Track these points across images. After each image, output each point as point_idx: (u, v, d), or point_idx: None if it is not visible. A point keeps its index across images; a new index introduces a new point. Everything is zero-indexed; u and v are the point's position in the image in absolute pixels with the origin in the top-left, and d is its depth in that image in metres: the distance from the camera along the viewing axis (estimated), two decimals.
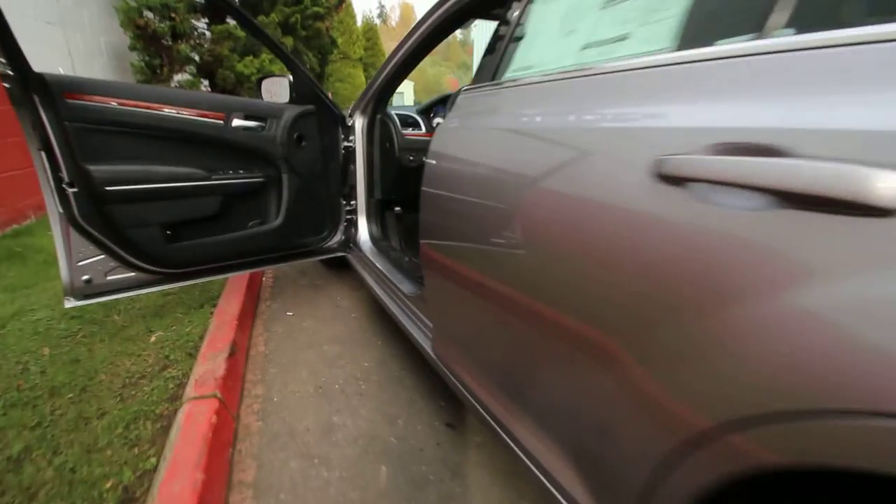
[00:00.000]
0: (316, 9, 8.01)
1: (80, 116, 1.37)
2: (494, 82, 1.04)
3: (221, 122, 1.63)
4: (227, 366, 1.55)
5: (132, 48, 4.76)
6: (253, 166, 1.77)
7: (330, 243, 2.14)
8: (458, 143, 1.06)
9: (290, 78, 1.86)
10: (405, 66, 1.75)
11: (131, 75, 4.87)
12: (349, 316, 2.22)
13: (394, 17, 78.47)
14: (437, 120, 2.04)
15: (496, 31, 1.08)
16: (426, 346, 1.41)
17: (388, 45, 29.51)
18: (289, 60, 1.71)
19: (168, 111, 1.52)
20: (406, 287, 1.66)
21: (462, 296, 1.09)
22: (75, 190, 1.38)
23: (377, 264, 1.95)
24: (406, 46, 1.65)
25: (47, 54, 3.97)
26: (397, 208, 2.27)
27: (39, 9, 3.92)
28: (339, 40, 12.25)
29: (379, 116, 2.00)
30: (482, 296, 0.99)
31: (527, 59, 0.99)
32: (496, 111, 0.99)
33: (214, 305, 2.04)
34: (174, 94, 1.55)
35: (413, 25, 1.59)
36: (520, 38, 1.02)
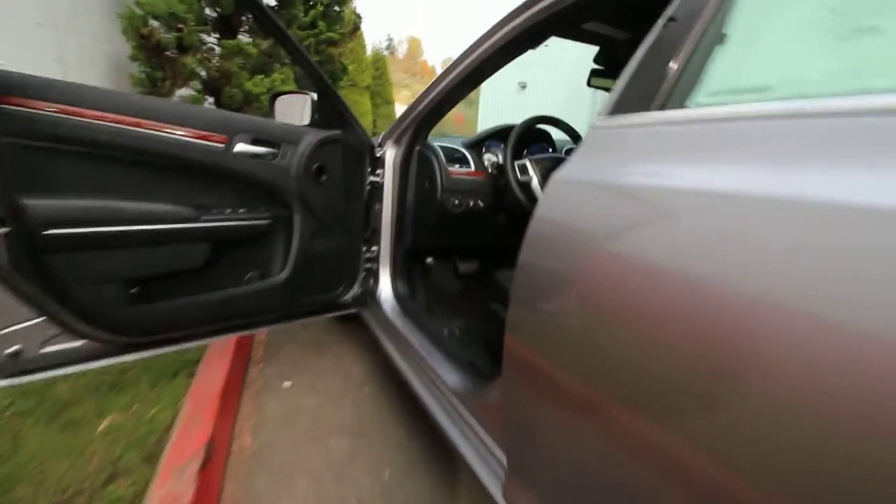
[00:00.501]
0: (330, 34, 7.86)
1: (17, 129, 0.96)
2: (672, 109, 0.65)
3: (222, 146, 1.23)
4: (199, 484, 1.10)
5: (133, 58, 4.43)
6: (258, 204, 1.37)
7: (344, 298, 1.72)
8: (602, 206, 0.66)
9: (314, 96, 1.48)
10: (460, 87, 1.38)
11: (130, 87, 4.53)
12: (361, 391, 1.77)
13: (401, 50, 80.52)
14: (489, 157, 1.66)
15: (655, 29, 0.70)
16: (489, 481, 0.98)
17: (396, 75, 29.88)
18: (314, 72, 1.34)
19: (149, 129, 1.12)
20: (451, 379, 1.23)
21: (577, 429, 0.68)
22: (5, 230, 0.96)
23: (405, 333, 1.52)
24: (465, 63, 1.28)
25: (33, 59, 3.61)
26: (429, 259, 1.86)
27: (25, 6, 3.57)
28: (350, 67, 12.19)
29: (418, 149, 1.62)
30: (619, 439, 0.58)
31: (754, 74, 0.61)
32: (682, 158, 0.59)
33: (191, 375, 1.59)
34: (161, 106, 1.16)
35: (479, 37, 1.22)
36: (724, 40, 0.64)
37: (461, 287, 2.07)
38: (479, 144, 1.68)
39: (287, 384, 1.77)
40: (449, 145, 1.66)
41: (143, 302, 1.21)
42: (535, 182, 1.49)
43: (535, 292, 0.76)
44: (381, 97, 19.24)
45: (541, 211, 0.76)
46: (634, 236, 0.60)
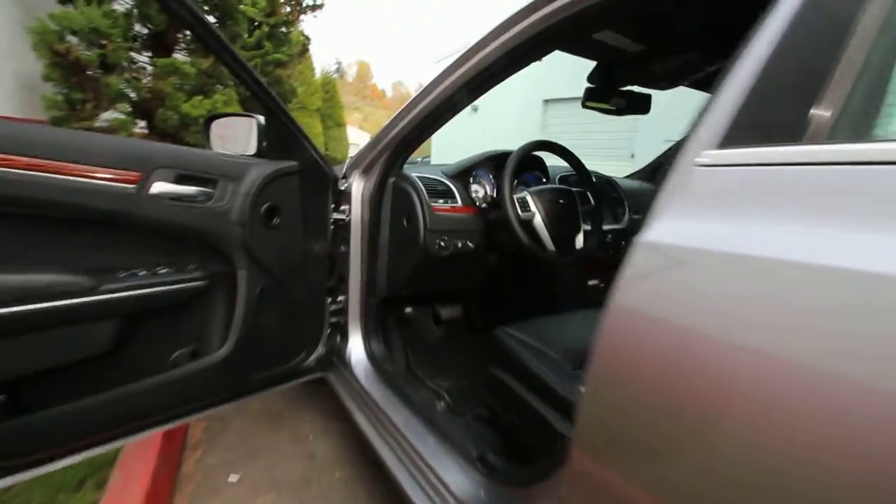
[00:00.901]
0: (278, 55, 7.50)
1: None
2: (845, 140, 0.43)
3: (132, 187, 0.90)
4: None
5: (47, 78, 3.88)
6: (186, 261, 1.04)
7: (306, 362, 1.40)
8: (748, 294, 0.42)
9: (260, 119, 1.18)
10: (443, 109, 1.13)
11: (43, 111, 3.96)
12: (331, 476, 1.43)
13: (350, 73, 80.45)
14: (477, 189, 1.42)
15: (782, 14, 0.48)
16: None
17: (346, 98, 29.60)
18: (262, 90, 1.05)
19: (20, 168, 0.78)
20: (456, 481, 0.94)
21: None
22: None
23: (385, 407, 1.23)
24: (451, 80, 1.05)
25: None
26: (407, 309, 1.58)
27: None
28: (299, 90, 11.80)
29: (392, 180, 1.35)
30: None
31: None
32: (879, 217, 0.36)
33: (102, 484, 1.20)
34: (44, 136, 0.82)
35: (468, 49, 0.99)
36: None
37: (443, 335, 1.79)
38: (464, 174, 1.43)
39: (234, 477, 1.40)
40: (428, 175, 1.40)
41: (18, 412, 0.84)
42: (538, 219, 1.26)
43: (626, 398, 0.50)
44: (331, 120, 18.95)
45: (630, 298, 0.50)
46: (808, 346, 0.36)
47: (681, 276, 0.47)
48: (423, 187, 1.31)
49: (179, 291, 1.01)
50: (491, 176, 1.41)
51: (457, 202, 1.35)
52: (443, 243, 1.29)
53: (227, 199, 1.05)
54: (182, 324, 1.07)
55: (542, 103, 11.08)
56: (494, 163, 1.43)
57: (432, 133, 1.25)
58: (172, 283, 1.00)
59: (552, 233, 1.25)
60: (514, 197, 1.27)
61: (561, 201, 1.29)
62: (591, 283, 1.58)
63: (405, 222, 1.32)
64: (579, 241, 1.33)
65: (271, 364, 1.25)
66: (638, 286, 0.50)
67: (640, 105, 1.54)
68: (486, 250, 1.43)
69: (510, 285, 1.71)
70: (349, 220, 1.39)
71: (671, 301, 0.47)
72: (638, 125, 9.64)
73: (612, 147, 9.36)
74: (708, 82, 1.48)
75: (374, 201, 1.38)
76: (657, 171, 2.00)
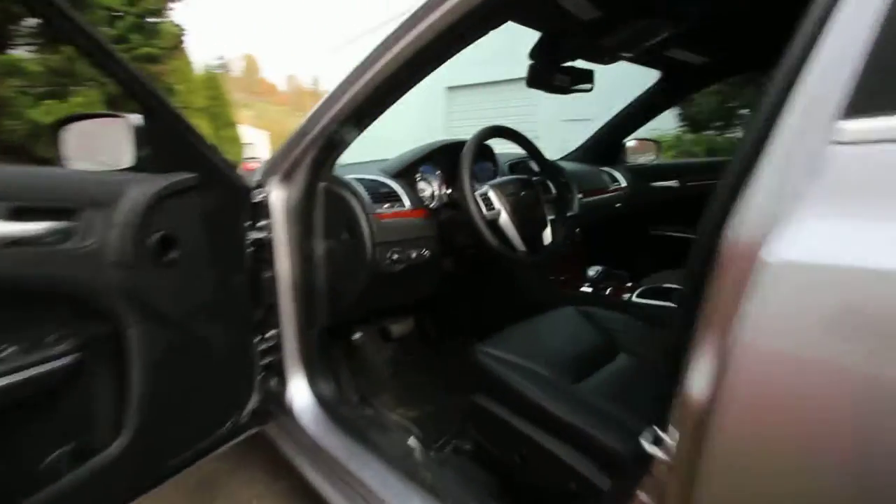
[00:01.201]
0: (148, 49, 6.57)
1: None
2: None
3: None
4: None
5: None
6: (41, 332, 0.72)
7: (238, 421, 1.13)
8: None
9: (134, 120, 0.87)
10: (383, 94, 0.93)
11: None
12: None
13: (236, 68, 74.38)
14: (425, 187, 1.22)
15: None
16: None
17: (235, 95, 27.24)
18: (139, 85, 0.75)
19: None
20: None
21: None
22: None
23: (346, 462, 1.02)
24: (387, 59, 0.85)
25: None
26: (356, 334, 1.34)
27: None
28: (179, 87, 10.53)
29: (324, 185, 1.11)
30: None
31: None
32: None
33: None
34: None
35: (406, 21, 0.80)
36: None
37: (396, 354, 1.58)
38: (407, 172, 1.23)
39: None
40: (366, 177, 1.18)
41: None
42: (504, 216, 1.10)
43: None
44: (220, 119, 17.42)
45: (777, 338, 0.35)
46: None
47: (855, 306, 0.33)
48: (363, 191, 1.08)
49: (37, 378, 0.70)
50: (438, 171, 1.22)
51: (404, 205, 1.14)
52: (395, 256, 1.08)
53: (97, 235, 0.74)
54: (52, 418, 0.75)
55: (446, 91, 11.03)
56: (441, 156, 1.24)
57: (369, 124, 1.03)
58: (23, 367, 0.68)
59: (520, 231, 1.10)
60: (476, 194, 1.10)
61: (524, 194, 1.14)
62: (552, 277, 1.48)
63: (346, 234, 1.08)
64: (547, 235, 1.20)
65: (191, 440, 0.97)
66: (788, 322, 0.35)
67: (584, 80, 1.44)
68: (441, 255, 1.24)
69: (467, 290, 1.55)
70: (271, 238, 1.12)
71: (847, 340, 0.32)
72: (537, 109, 9.93)
73: (521, 130, 9.63)
74: (650, 54, 1.42)
75: (302, 212, 1.13)
76: (590, 152, 1.95)
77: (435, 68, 0.87)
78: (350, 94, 0.93)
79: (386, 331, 1.55)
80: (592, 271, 1.34)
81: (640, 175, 1.91)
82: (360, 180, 1.13)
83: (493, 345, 1.02)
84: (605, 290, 1.34)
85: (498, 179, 1.15)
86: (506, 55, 9.64)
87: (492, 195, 1.09)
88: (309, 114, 1.05)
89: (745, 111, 5.69)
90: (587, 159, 1.91)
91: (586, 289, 1.37)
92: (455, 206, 1.13)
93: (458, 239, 1.21)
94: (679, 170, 1.89)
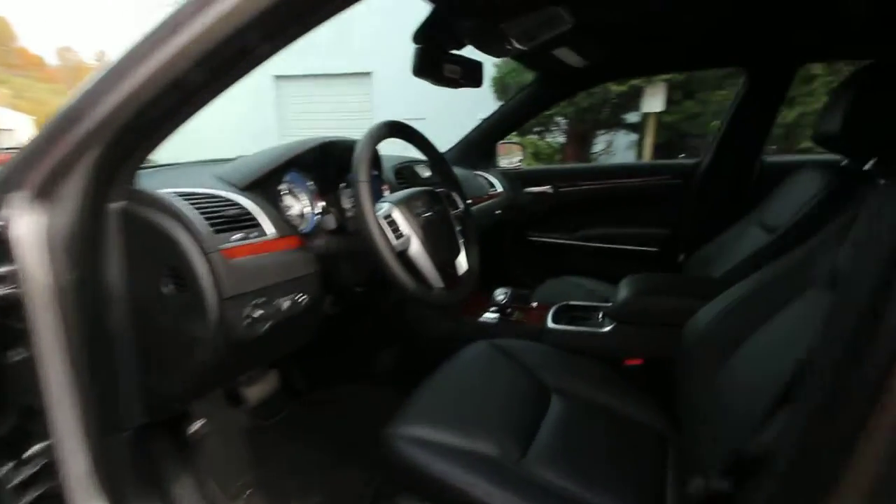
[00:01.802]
0: None
1: None
2: None
3: None
4: None
5: None
6: None
7: None
8: None
9: None
10: (211, 64, 0.58)
11: None
12: None
13: None
14: (293, 204, 0.85)
15: None
16: None
17: None
18: None
19: None
20: None
21: None
22: None
23: None
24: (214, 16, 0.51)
25: None
26: (196, 423, 0.90)
27: None
28: None
29: (120, 206, 0.67)
30: None
31: None
32: None
33: None
34: None
35: None
36: None
37: (255, 425, 1.17)
38: (265, 182, 0.84)
39: None
40: (197, 191, 0.76)
41: None
42: (415, 244, 0.81)
43: None
44: None
45: None
46: None
47: None
48: (195, 215, 0.68)
49: None
50: (310, 182, 0.88)
51: (265, 233, 0.77)
52: (257, 313, 0.71)
53: None
54: None
55: (274, 80, 9.99)
56: (313, 159, 0.89)
57: (198, 107, 0.64)
58: None
59: (435, 260, 0.84)
60: (380, 214, 0.79)
61: (434, 211, 0.88)
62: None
63: (168, 287, 0.67)
64: (462, 262, 0.97)
65: None
66: None
67: (474, 75, 1.25)
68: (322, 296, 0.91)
69: (349, 329, 1.22)
70: (21, 296, 0.65)
71: None
72: (374, 106, 9.72)
73: (363, 127, 9.23)
74: (539, 50, 1.30)
75: (80, 251, 0.67)
76: (461, 155, 1.80)
77: (280, 46, 0.56)
78: (149, 68, 0.55)
79: (237, 396, 1.13)
80: (500, 294, 1.17)
81: (513, 180, 1.83)
82: (189, 197, 0.72)
83: (407, 423, 0.75)
84: (513, 314, 1.19)
85: (401, 194, 0.86)
86: (340, 48, 9.18)
87: (397, 216, 0.81)
88: (84, 89, 0.61)
89: (560, 118, 6.42)
90: (458, 163, 1.76)
91: (491, 314, 1.19)
92: (341, 230, 0.82)
93: (345, 275, 0.89)
94: (551, 175, 1.87)
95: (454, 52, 1.20)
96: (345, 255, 0.88)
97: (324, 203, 0.93)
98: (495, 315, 1.18)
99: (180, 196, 0.72)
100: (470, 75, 1.23)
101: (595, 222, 1.77)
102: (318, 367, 1.29)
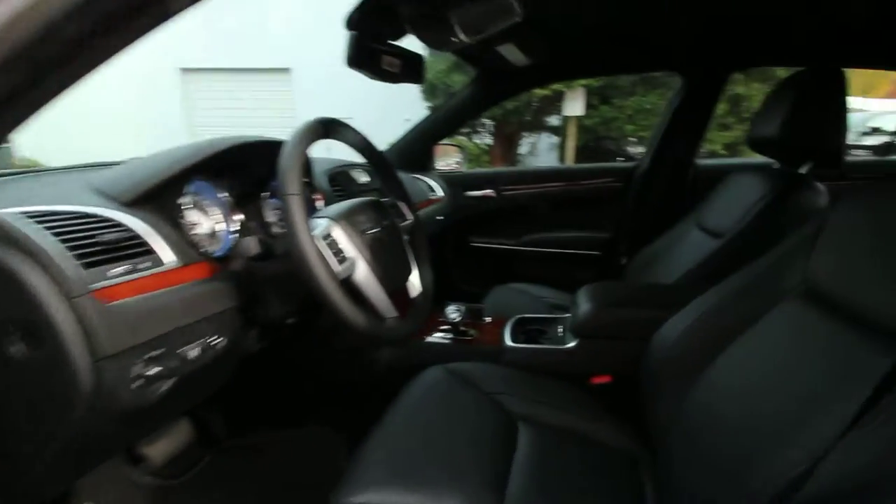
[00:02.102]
0: None
1: None
2: None
3: None
4: None
5: None
6: None
7: None
8: None
9: None
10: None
11: None
12: None
13: None
14: (198, 218, 0.67)
15: None
16: None
17: None
18: None
19: None
20: None
21: None
22: None
23: None
24: None
25: None
26: None
27: None
28: None
29: None
30: None
31: None
32: None
33: None
34: None
35: None
36: None
37: (159, 484, 0.96)
38: (161, 193, 0.65)
39: None
40: (58, 209, 0.56)
41: None
42: (361, 268, 0.67)
43: None
44: None
45: None
46: None
47: None
48: (50, 244, 0.49)
49: None
50: (222, 193, 0.70)
51: (161, 262, 0.59)
52: (151, 371, 0.54)
53: None
54: None
55: (180, 73, 9.08)
56: (226, 164, 0.71)
57: (54, 93, 0.45)
58: None
59: (386, 285, 0.70)
60: (318, 233, 0.63)
61: (382, 227, 0.74)
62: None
63: (17, 347, 0.48)
64: (415, 283, 0.83)
65: None
66: None
67: (415, 70, 1.13)
68: (243, 333, 0.74)
69: (279, 363, 1.04)
70: None
71: None
72: (297, 104, 9.23)
73: (284, 126, 8.66)
74: (483, 45, 1.21)
75: None
76: (397, 157, 1.67)
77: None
78: None
79: (138, 456, 0.91)
80: (453, 312, 1.05)
81: (454, 183, 1.74)
82: (44, 218, 0.52)
83: (356, 487, 0.62)
84: (466, 332, 1.08)
85: (341, 208, 0.71)
86: (256, 41, 8.56)
87: (339, 235, 0.66)
88: None
89: (487, 120, 6.50)
90: (394, 166, 1.64)
91: (443, 334, 1.07)
92: (267, 254, 0.65)
93: (273, 305, 0.73)
94: (492, 178, 1.80)
95: (392, 42, 1.08)
96: (272, 281, 0.72)
97: (242, 217, 0.76)
98: (448, 335, 1.06)
99: (31, 217, 0.52)
100: (410, 70, 1.11)
101: (539, 227, 1.73)
102: (241, 408, 1.09)
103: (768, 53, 1.33)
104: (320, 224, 0.65)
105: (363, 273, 0.67)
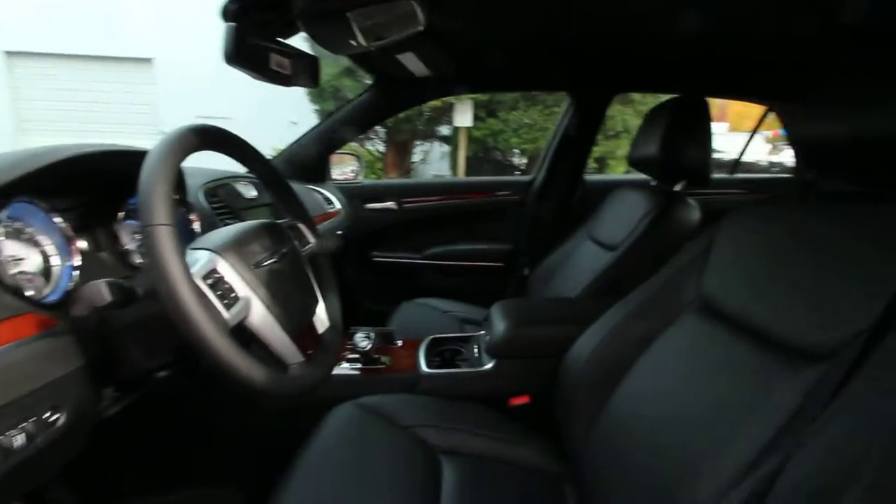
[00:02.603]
0: None
1: None
2: None
3: None
4: None
5: None
6: None
7: None
8: None
9: None
10: None
11: None
12: None
13: None
14: (21, 251, 0.50)
15: None
16: None
17: None
18: None
19: None
20: None
21: None
22: None
23: None
24: None
25: None
26: None
27: None
28: None
29: None
30: None
31: None
32: None
33: None
34: None
35: None
36: None
37: None
38: None
39: None
40: None
41: None
42: (257, 310, 0.54)
43: None
44: None
45: None
46: None
47: None
48: None
49: None
50: (57, 218, 0.53)
51: None
52: None
53: None
54: None
55: (5, 57, 7.46)
56: (62, 181, 0.54)
57: None
58: None
59: (289, 327, 0.58)
60: (197, 271, 0.49)
61: (279, 256, 0.61)
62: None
63: None
64: (322, 317, 0.72)
65: None
66: None
67: (310, 73, 1.02)
68: (95, 395, 0.57)
69: (149, 422, 0.83)
70: None
71: None
72: (158, 98, 8.20)
73: (132, 123, 7.50)
74: (383, 53, 1.15)
75: None
76: (290, 167, 1.52)
77: None
78: None
79: None
80: (362, 339, 0.94)
81: (352, 195, 1.64)
82: None
83: None
84: (378, 360, 0.99)
85: (226, 235, 0.56)
86: (113, 26, 7.38)
87: (226, 271, 0.52)
88: None
89: (380, 127, 6.42)
90: (287, 176, 1.50)
91: (351, 364, 0.97)
92: (125, 294, 0.50)
93: (135, 357, 0.57)
94: (393, 190, 1.73)
95: (281, 40, 0.96)
96: (133, 329, 0.56)
97: (85, 245, 0.59)
98: (358, 365, 0.97)
99: None
100: (305, 73, 1.00)
101: (442, 239, 1.71)
102: (101, 477, 0.86)
103: (644, 81, 1.48)
104: (200, 259, 0.52)
105: (259, 315, 0.55)
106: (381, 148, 6.80)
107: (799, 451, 0.41)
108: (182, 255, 0.45)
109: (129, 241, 0.67)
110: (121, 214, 0.66)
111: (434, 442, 0.80)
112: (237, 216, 0.93)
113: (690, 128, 1.10)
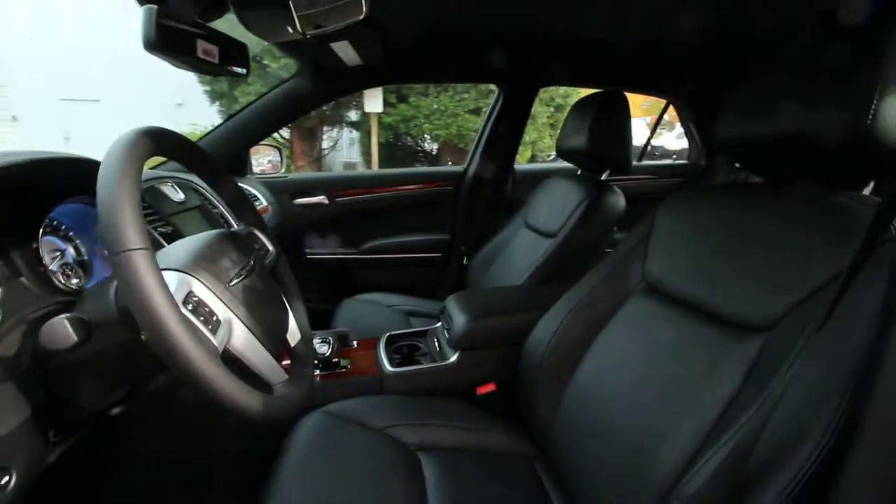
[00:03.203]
0: None
1: None
2: None
3: None
4: None
5: None
6: None
7: None
8: None
9: None
10: None
11: None
12: None
13: None
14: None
15: None
16: None
17: None
18: None
19: None
20: None
21: None
22: None
23: None
24: None
25: None
26: None
27: None
28: None
29: None
30: None
31: None
32: None
33: None
34: None
35: None
36: None
37: None
38: None
39: None
40: None
41: None
42: (239, 333, 0.49)
43: None
44: None
45: None
46: None
47: None
48: None
49: None
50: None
51: None
52: None
53: None
54: None
55: None
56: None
57: None
58: None
59: (269, 345, 0.53)
60: (174, 292, 0.42)
61: (246, 270, 0.55)
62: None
63: None
64: (293, 329, 0.66)
65: None
66: None
67: (239, 57, 0.93)
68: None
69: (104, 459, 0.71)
70: None
71: None
72: (10, 77, 7.02)
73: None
74: (318, 41, 1.08)
75: None
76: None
77: None
78: None
79: None
80: (321, 344, 0.90)
81: (279, 191, 1.53)
82: None
83: None
84: (339, 364, 0.95)
85: (190, 250, 0.49)
86: None
87: (201, 292, 0.46)
88: None
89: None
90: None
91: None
92: (89, 333, 0.43)
93: (85, 395, 0.49)
94: (322, 184, 1.64)
95: (205, 23, 0.86)
96: (79, 364, 0.48)
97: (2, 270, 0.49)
98: (316, 371, 0.93)
99: None
100: (232, 59, 0.91)
101: (378, 233, 1.67)
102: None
103: (568, 75, 1.57)
104: (170, 281, 0.45)
105: (241, 337, 0.49)
106: (286, 135, 6.39)
107: (752, 414, 0.48)
108: (164, 282, 0.39)
109: (51, 262, 0.56)
110: (44, 230, 0.55)
111: (409, 440, 0.80)
112: (167, 222, 0.83)
113: (614, 121, 1.19)
